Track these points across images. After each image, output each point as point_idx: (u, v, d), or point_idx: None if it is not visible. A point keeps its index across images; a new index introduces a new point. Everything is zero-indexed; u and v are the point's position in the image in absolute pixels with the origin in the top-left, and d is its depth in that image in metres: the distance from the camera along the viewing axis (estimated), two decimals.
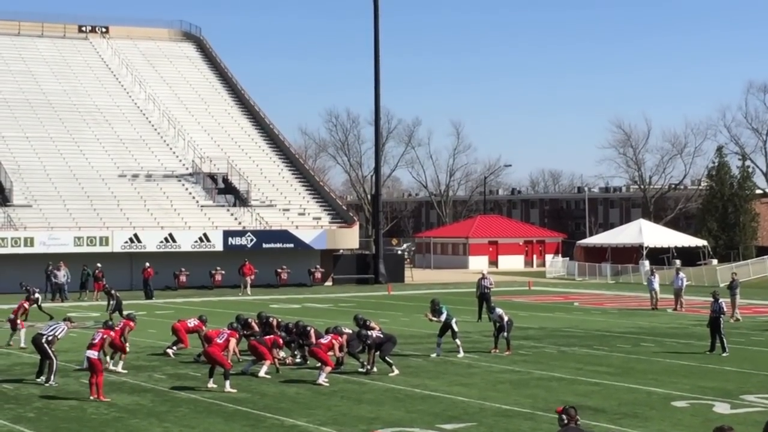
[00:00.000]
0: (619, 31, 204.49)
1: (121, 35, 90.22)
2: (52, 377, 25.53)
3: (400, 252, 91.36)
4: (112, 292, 43.25)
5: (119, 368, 27.17)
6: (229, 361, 25.43)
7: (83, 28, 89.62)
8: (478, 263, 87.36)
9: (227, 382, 24.62)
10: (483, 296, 41.32)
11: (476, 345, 32.14)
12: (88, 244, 60.92)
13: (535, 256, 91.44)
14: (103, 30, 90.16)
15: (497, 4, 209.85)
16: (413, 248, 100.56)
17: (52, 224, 62.12)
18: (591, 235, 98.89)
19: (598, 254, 79.56)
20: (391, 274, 68.92)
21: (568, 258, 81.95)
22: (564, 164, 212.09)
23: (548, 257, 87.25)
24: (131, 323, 27.17)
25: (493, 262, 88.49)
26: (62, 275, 54.70)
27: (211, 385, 24.92)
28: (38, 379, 25.76)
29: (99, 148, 72.72)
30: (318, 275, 65.96)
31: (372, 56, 72.49)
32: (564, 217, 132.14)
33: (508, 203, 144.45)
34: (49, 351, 25.60)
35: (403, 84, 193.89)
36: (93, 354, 23.89)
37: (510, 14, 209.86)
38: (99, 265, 55.65)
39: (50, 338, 25.72)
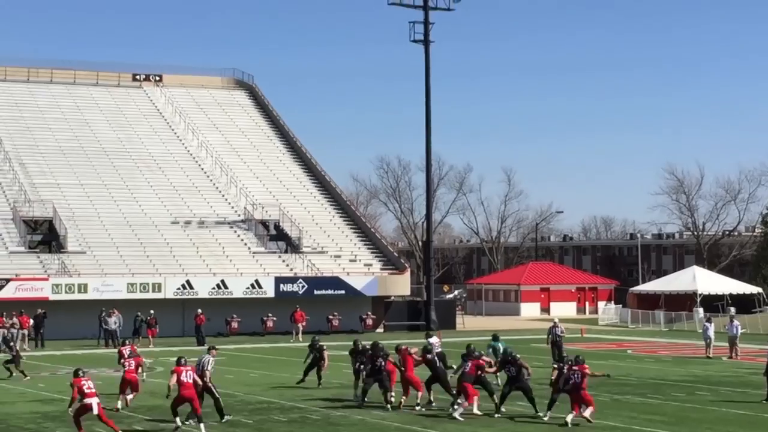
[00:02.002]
0: (672, 78, 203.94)
1: (174, 83, 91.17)
2: (223, 413, 26.53)
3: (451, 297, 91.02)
4: (11, 344, 42.36)
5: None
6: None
7: (137, 77, 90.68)
8: (530, 310, 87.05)
9: (202, 425, 25.05)
10: (555, 344, 41.93)
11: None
12: (141, 291, 61.25)
13: (587, 303, 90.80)
14: (157, 78, 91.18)
15: (549, 50, 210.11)
16: (464, 295, 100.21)
17: (105, 271, 62.56)
18: (644, 282, 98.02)
19: (651, 301, 78.78)
20: (442, 320, 68.66)
21: (620, 305, 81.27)
22: (616, 211, 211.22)
23: (601, 304, 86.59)
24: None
25: (545, 309, 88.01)
26: (113, 322, 54.88)
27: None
28: (187, 422, 26.04)
29: (152, 195, 73.33)
30: (369, 322, 65.89)
31: (423, 103, 72.77)
32: (616, 264, 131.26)
33: (560, 250, 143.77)
34: (213, 389, 26.56)
35: (455, 130, 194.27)
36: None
37: (561, 60, 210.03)
38: (152, 311, 55.97)
39: (206, 375, 26.68)
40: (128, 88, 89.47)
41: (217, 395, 26.84)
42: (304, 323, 59.66)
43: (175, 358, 26.89)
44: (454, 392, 28.10)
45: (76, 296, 59.87)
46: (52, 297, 59.24)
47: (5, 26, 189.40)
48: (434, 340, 33.96)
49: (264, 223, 71.91)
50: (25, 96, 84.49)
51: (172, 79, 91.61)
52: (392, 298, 69.57)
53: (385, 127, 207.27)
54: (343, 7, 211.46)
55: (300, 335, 58.55)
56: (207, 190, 75.88)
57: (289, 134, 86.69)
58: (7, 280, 58.80)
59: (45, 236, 66.79)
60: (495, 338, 35.07)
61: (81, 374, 24.84)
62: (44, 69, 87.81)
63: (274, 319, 62.67)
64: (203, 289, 62.65)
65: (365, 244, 72.93)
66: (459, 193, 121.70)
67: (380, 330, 66.39)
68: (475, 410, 27.50)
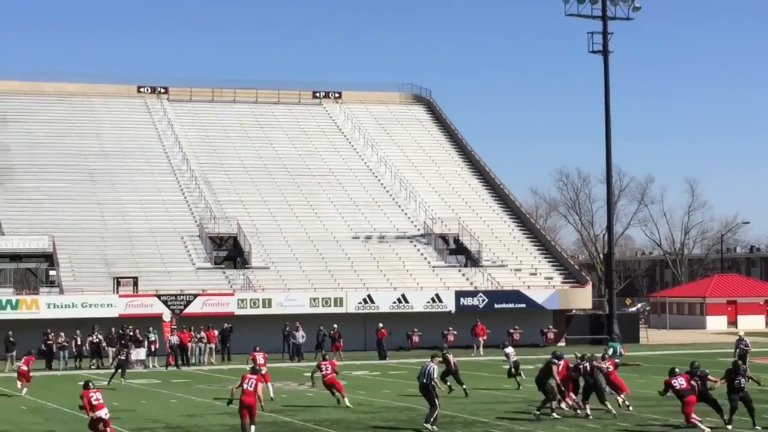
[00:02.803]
0: None
1: (353, 100, 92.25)
2: (432, 420, 26.90)
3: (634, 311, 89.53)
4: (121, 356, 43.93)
5: None
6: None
7: (317, 94, 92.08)
8: (716, 323, 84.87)
9: (253, 427, 26.24)
10: (741, 357, 41.57)
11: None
12: (323, 305, 61.96)
13: None
14: (336, 95, 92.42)
15: (730, 55, 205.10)
16: (648, 308, 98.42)
17: (288, 286, 63.56)
18: None
19: None
20: (625, 334, 67.41)
21: None
22: None
23: None
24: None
25: (732, 323, 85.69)
26: (300, 336, 55.84)
27: None
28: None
29: (333, 211, 74.24)
30: (551, 336, 65.22)
31: (603, 114, 71.78)
32: None
33: (746, 261, 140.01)
34: (434, 395, 27.14)
35: (635, 141, 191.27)
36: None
37: (744, 66, 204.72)
38: (335, 326, 56.55)
39: (433, 382, 27.35)
40: (308, 105, 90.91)
41: (437, 403, 27.26)
42: (485, 337, 59.46)
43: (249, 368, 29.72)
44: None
45: (261, 311, 60.93)
46: (238, 312, 60.44)
47: (192, 49, 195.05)
48: (510, 350, 37.41)
49: (443, 237, 72.02)
50: (210, 115, 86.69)
51: (351, 96, 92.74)
52: (573, 311, 68.76)
53: (564, 139, 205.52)
54: (520, 19, 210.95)
55: (481, 349, 58.42)
56: (387, 204, 76.44)
57: (467, 148, 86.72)
58: (195, 296, 60.32)
59: (230, 252, 68.38)
60: (612, 339, 40.44)
61: (91, 386, 25.27)
62: (228, 89, 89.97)
63: (455, 333, 62.54)
64: (384, 304, 63.05)
65: (545, 258, 72.32)
66: (640, 205, 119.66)
67: (562, 344, 65.66)
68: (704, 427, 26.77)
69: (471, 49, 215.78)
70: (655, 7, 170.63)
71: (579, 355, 31.19)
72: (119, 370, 41.78)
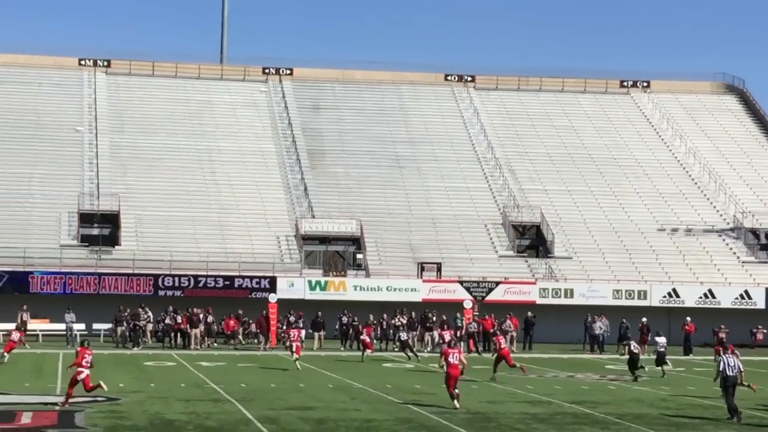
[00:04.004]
0: None
1: (662, 89, 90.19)
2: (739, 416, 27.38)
3: None
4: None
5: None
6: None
7: (624, 83, 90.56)
8: None
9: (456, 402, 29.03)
10: None
11: None
12: (626, 298, 61.10)
13: None
14: (644, 84, 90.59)
15: None
16: None
17: (591, 276, 62.97)
18: None
19: None
20: None
21: None
22: None
23: None
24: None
25: None
26: (597, 327, 55.21)
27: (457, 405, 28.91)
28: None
29: (638, 202, 73.03)
30: None
31: None
32: None
33: None
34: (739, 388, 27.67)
35: None
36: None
37: None
38: (644, 319, 55.50)
39: (741, 374, 27.68)
40: (615, 94, 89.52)
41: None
42: None
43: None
44: None
45: (562, 301, 60.68)
46: (539, 301, 60.40)
47: (498, 38, 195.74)
48: (662, 339, 41.55)
49: (754, 232, 69.63)
50: (515, 104, 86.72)
51: (659, 85, 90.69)
52: None
53: None
54: None
55: None
56: (694, 197, 74.53)
57: None
58: (497, 283, 60.67)
59: (533, 241, 68.42)
60: None
61: (86, 345, 28.96)
62: (534, 77, 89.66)
63: (764, 331, 60.50)
64: (690, 298, 61.61)
65: None
66: None
67: None
68: None
69: None
70: None
71: None
72: (406, 349, 47.18)
